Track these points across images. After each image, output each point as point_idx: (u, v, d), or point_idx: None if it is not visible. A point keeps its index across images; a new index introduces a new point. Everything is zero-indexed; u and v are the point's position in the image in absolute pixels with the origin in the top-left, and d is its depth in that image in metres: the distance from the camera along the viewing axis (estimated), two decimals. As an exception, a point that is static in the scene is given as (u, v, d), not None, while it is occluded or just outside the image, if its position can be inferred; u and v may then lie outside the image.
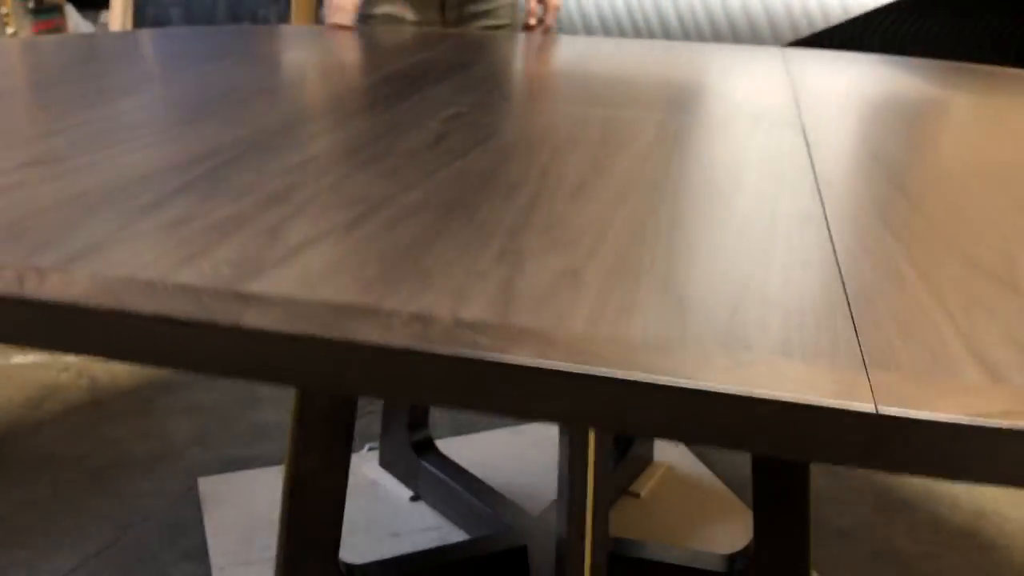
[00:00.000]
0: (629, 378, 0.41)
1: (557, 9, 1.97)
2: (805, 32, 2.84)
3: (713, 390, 0.41)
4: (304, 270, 0.51)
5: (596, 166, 0.78)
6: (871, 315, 0.49)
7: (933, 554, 1.58)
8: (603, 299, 0.49)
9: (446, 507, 1.63)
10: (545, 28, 1.96)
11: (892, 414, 0.40)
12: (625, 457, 1.74)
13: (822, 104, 1.23)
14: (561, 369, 0.42)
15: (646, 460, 1.81)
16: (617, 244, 0.58)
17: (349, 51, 1.64)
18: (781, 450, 0.43)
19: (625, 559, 1.41)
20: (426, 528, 1.58)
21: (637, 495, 1.70)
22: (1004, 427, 0.39)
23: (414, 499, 1.65)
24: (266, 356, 0.46)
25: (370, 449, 1.79)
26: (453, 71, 1.31)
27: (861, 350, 0.45)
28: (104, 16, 3.85)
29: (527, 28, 1.97)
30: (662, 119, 1.01)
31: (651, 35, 3.03)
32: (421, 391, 0.45)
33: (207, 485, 1.65)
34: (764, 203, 0.70)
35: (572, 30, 3.11)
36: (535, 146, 0.89)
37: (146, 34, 1.84)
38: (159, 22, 3.79)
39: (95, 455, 1.75)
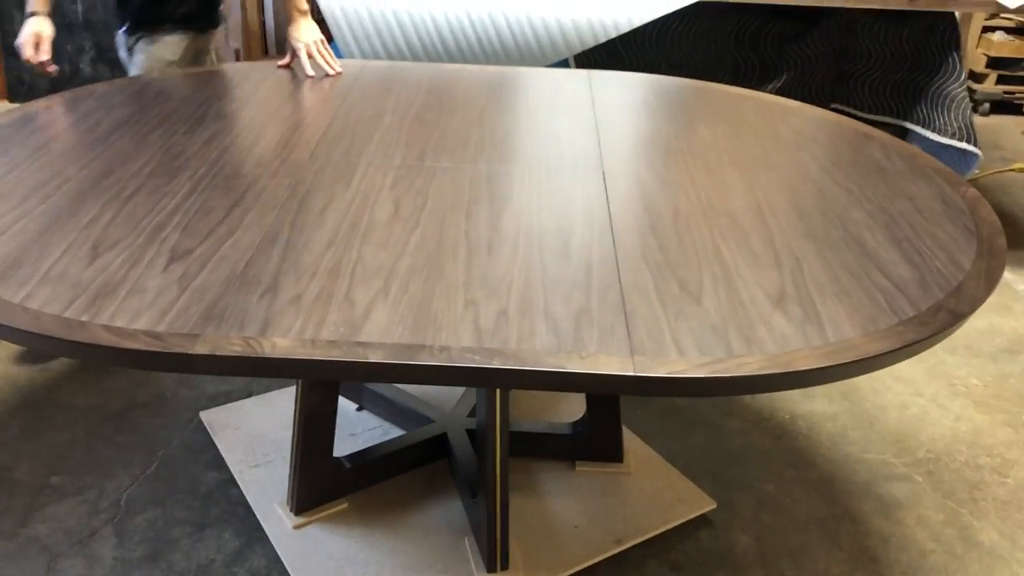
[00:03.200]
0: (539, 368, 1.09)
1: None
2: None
3: (576, 371, 1.09)
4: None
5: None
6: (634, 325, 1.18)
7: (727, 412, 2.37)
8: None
9: (383, 412, 2.28)
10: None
11: (642, 375, 1.09)
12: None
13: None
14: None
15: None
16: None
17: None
18: (607, 391, 1.12)
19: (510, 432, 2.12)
20: (372, 428, 2.24)
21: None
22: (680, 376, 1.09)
23: (359, 409, 2.30)
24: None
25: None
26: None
27: (630, 344, 1.14)
28: None
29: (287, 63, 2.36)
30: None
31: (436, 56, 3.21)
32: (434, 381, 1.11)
33: (208, 416, 2.24)
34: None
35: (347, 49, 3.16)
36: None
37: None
38: None
39: (110, 403, 2.30)
